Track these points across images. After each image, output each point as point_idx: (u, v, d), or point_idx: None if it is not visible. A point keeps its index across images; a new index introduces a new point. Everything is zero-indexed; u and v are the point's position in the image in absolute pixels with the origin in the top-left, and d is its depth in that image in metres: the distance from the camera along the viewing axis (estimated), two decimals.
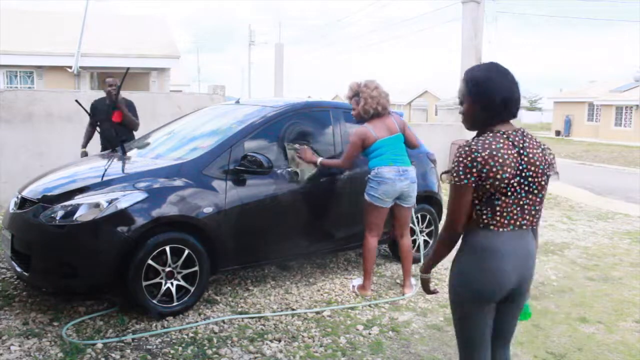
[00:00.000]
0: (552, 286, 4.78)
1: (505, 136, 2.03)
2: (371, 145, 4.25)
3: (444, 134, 10.64)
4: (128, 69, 5.34)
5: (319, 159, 4.36)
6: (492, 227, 2.04)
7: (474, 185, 2.00)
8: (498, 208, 2.02)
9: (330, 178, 4.54)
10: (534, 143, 2.08)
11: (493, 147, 1.99)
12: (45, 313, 3.73)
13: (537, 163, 2.05)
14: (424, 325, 3.84)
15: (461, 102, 2.18)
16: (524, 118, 48.08)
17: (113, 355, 3.20)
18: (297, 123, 4.57)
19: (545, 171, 2.08)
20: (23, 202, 3.87)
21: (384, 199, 4.23)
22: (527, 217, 2.08)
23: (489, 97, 2.05)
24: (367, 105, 4.27)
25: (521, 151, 2.02)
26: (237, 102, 5.24)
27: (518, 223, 2.06)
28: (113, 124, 5.52)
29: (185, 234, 3.76)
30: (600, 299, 4.50)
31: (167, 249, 3.67)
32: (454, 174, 2.02)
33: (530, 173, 2.03)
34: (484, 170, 1.97)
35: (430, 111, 36.88)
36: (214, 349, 3.33)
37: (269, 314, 3.89)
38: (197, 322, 3.71)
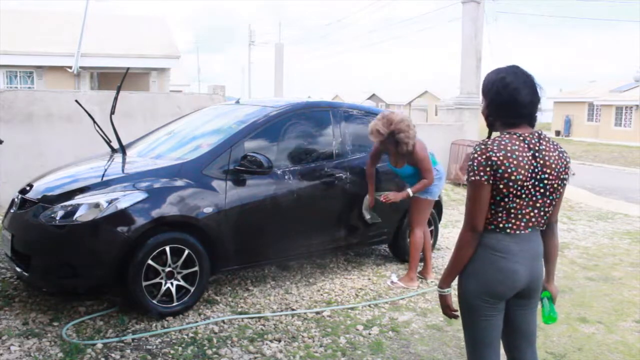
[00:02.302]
0: None
1: (521, 138, 2.03)
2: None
3: (444, 134, 10.65)
4: (128, 69, 5.33)
5: (409, 191, 4.53)
6: (508, 230, 2.05)
7: (490, 182, 1.99)
8: (513, 210, 2.03)
9: (330, 178, 4.54)
10: (551, 146, 2.08)
11: (508, 148, 1.99)
12: (45, 313, 3.73)
13: (553, 166, 2.05)
14: (424, 325, 3.84)
15: (480, 102, 2.25)
16: None
17: (113, 355, 3.20)
18: (297, 123, 4.57)
19: (561, 174, 2.08)
20: (23, 202, 3.87)
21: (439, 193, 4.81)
22: (541, 219, 2.10)
23: (496, 99, 2.07)
24: (410, 141, 4.31)
25: (536, 154, 2.03)
26: (237, 102, 5.25)
27: (531, 224, 2.08)
28: None
29: (185, 234, 3.76)
30: (600, 299, 4.50)
31: (167, 249, 3.67)
32: (470, 171, 2.03)
33: (546, 176, 2.04)
34: (500, 171, 1.98)
35: (430, 111, 36.90)
36: (214, 349, 3.33)
37: (269, 314, 3.89)
38: (197, 322, 3.71)
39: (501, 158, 1.97)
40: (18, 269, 3.72)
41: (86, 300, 3.92)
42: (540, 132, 2.10)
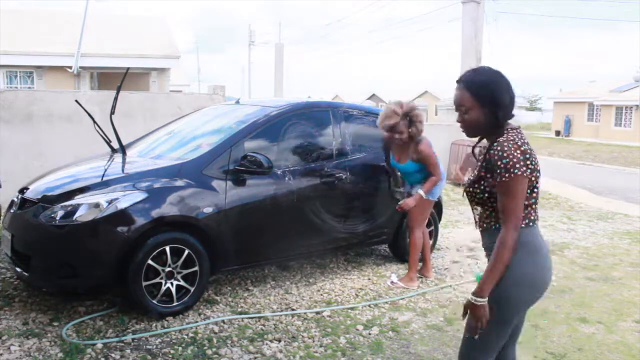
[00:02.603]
0: (552, 286, 4.75)
1: (520, 131, 2.07)
2: None
3: (444, 134, 10.65)
4: (128, 69, 5.33)
5: (421, 193, 4.56)
6: (533, 223, 2.06)
7: (529, 175, 1.97)
8: (533, 201, 2.05)
9: (330, 178, 4.54)
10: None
11: (526, 141, 2.02)
12: (45, 313, 3.73)
13: (535, 155, 2.08)
14: (424, 325, 3.84)
15: (463, 109, 2.08)
16: (524, 118, 48.06)
17: (113, 355, 3.20)
18: (297, 123, 4.57)
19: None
20: (23, 202, 3.87)
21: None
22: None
23: (499, 98, 2.04)
24: (422, 126, 4.49)
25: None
26: (237, 102, 5.25)
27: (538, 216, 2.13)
28: None
29: (185, 234, 3.76)
30: (600, 299, 4.50)
31: (167, 249, 3.67)
32: (511, 167, 1.94)
33: (538, 167, 2.07)
34: (533, 163, 1.99)
35: (430, 111, 36.88)
36: (214, 349, 3.33)
37: (269, 314, 3.89)
38: (197, 322, 3.71)
39: (530, 149, 2.00)
40: (18, 269, 3.72)
41: (86, 300, 3.92)
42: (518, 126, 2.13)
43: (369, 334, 3.65)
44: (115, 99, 4.52)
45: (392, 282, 4.62)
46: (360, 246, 5.20)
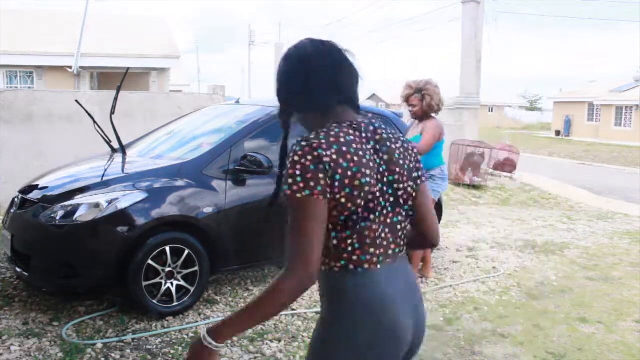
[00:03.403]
0: (552, 286, 4.78)
1: (354, 126, 1.40)
2: (439, 142, 4.54)
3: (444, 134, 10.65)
4: (128, 69, 5.34)
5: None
6: (364, 264, 1.36)
7: (326, 197, 1.30)
8: (367, 233, 1.36)
9: None
10: (392, 136, 1.46)
11: (341, 141, 1.34)
12: (45, 313, 3.73)
13: (401, 162, 1.43)
14: None
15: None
16: (524, 118, 48.09)
17: (113, 355, 3.20)
18: (297, 123, 4.57)
19: (412, 173, 1.46)
20: (23, 202, 3.87)
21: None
22: (400, 239, 1.45)
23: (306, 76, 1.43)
24: (433, 102, 4.47)
25: (377, 146, 1.41)
26: (237, 102, 5.25)
27: (392, 251, 1.41)
28: None
29: (185, 234, 3.76)
30: (600, 299, 4.50)
31: (167, 249, 3.67)
32: (292, 184, 1.30)
33: (394, 177, 1.41)
34: (337, 177, 1.31)
35: None
36: None
37: None
38: (197, 322, 3.70)
39: (334, 157, 1.31)
40: (18, 269, 3.72)
41: (86, 300, 3.92)
42: (374, 119, 1.48)
43: None
44: (115, 99, 4.52)
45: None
46: None
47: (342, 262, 1.37)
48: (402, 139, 1.49)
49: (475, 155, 10.84)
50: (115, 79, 12.11)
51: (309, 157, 1.31)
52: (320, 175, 1.30)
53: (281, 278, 1.28)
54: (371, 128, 1.43)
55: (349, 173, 1.32)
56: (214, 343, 1.31)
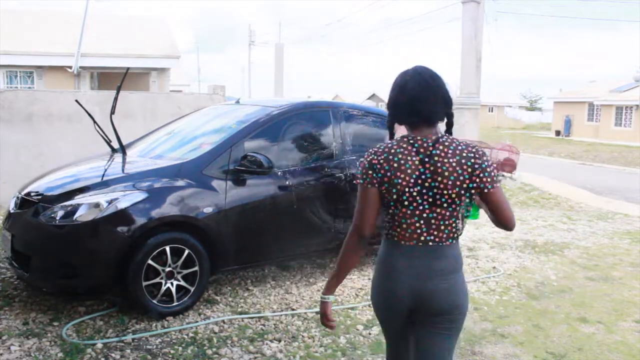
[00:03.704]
0: (552, 286, 4.78)
1: (411, 142, 1.91)
2: None
3: None
4: (128, 69, 5.33)
5: None
6: (394, 237, 1.95)
7: (374, 187, 1.91)
8: (397, 218, 1.92)
9: (330, 178, 4.54)
10: (450, 152, 1.88)
11: (392, 151, 1.90)
12: (45, 313, 3.73)
13: (446, 174, 1.85)
14: None
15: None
16: (524, 118, 48.11)
17: (113, 355, 3.20)
18: (298, 123, 4.58)
19: (459, 184, 1.86)
20: (23, 202, 3.87)
21: None
22: (437, 232, 1.90)
23: (393, 98, 1.99)
24: None
25: (426, 159, 1.88)
26: (237, 102, 5.25)
27: (423, 238, 1.91)
28: None
29: (185, 234, 3.76)
30: (600, 299, 4.50)
31: (167, 249, 3.67)
32: (359, 175, 1.97)
33: (436, 184, 1.86)
34: (380, 175, 1.89)
35: None
36: (214, 349, 3.33)
37: (269, 314, 3.89)
38: (197, 322, 3.71)
39: (382, 162, 1.89)
40: (18, 269, 3.72)
41: (86, 300, 3.92)
42: (442, 136, 1.93)
43: (369, 334, 3.65)
44: (115, 99, 4.52)
45: None
46: None
47: (384, 233, 2.01)
48: (465, 156, 1.88)
49: None
50: (115, 79, 12.11)
51: (368, 160, 1.94)
52: (370, 172, 1.92)
53: (347, 236, 2.01)
54: (426, 145, 1.90)
55: (388, 174, 1.89)
56: (323, 296, 2.03)
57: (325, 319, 2.02)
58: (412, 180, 1.87)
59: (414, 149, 1.89)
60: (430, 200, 1.87)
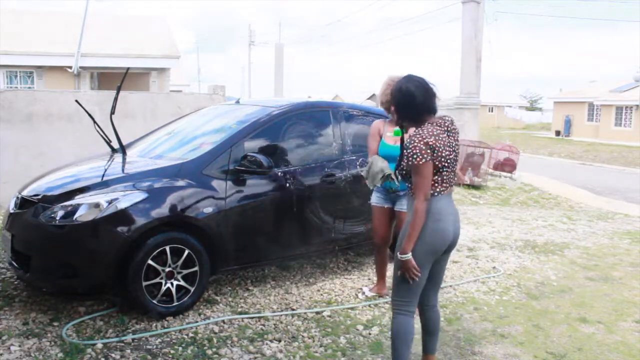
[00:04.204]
0: (552, 286, 4.78)
1: (438, 124, 2.69)
2: None
3: None
4: (128, 69, 5.33)
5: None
6: (442, 192, 2.70)
7: (430, 161, 2.60)
8: (444, 178, 2.69)
9: (330, 178, 4.54)
10: (454, 127, 2.76)
11: (435, 133, 2.63)
12: (45, 313, 3.73)
13: (454, 143, 2.73)
14: None
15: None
16: (524, 118, 48.10)
17: (113, 355, 3.20)
18: (298, 123, 4.57)
19: (455, 147, 2.74)
20: (23, 202, 3.87)
21: None
22: (451, 183, 2.75)
23: (404, 100, 2.71)
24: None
25: (449, 134, 2.71)
26: (237, 102, 5.24)
27: (449, 188, 2.73)
28: None
29: (185, 234, 3.76)
30: (600, 299, 4.50)
31: (167, 249, 3.67)
32: (417, 157, 2.58)
33: (456, 150, 2.75)
34: (435, 151, 2.60)
35: None
36: (214, 349, 3.33)
37: (269, 314, 3.89)
38: (197, 322, 3.71)
39: (433, 140, 2.60)
40: (18, 269, 3.72)
41: (86, 300, 3.92)
42: (448, 117, 2.77)
43: (369, 334, 3.65)
44: (115, 99, 4.52)
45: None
46: (361, 246, 5.20)
47: (434, 192, 2.68)
48: (456, 130, 2.80)
49: (475, 155, 10.85)
50: (115, 79, 12.12)
51: (423, 142, 2.59)
52: (428, 151, 2.59)
53: (418, 203, 2.60)
54: (446, 124, 2.73)
55: (439, 149, 2.62)
56: (404, 255, 2.65)
57: (412, 270, 2.65)
58: (448, 150, 2.67)
59: (442, 129, 2.69)
60: (454, 162, 2.73)
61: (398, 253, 2.67)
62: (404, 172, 2.75)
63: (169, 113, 7.31)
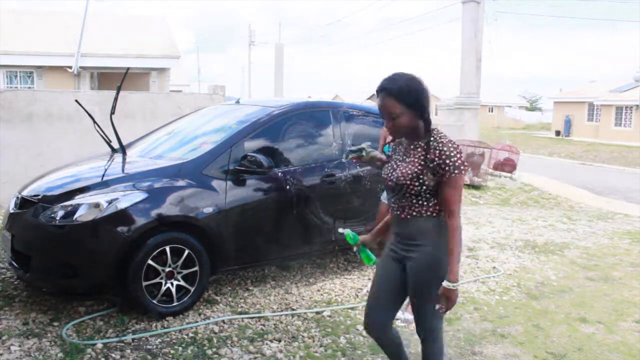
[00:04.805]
0: (552, 286, 4.78)
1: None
2: None
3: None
4: (128, 69, 5.33)
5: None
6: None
7: None
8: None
9: (330, 178, 4.54)
10: None
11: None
12: (45, 313, 3.73)
13: None
14: None
15: (393, 115, 2.30)
16: (524, 118, 48.08)
17: (113, 355, 3.20)
18: (298, 123, 4.57)
19: None
20: (23, 202, 3.87)
21: None
22: None
23: (424, 101, 2.31)
24: None
25: None
26: (237, 102, 5.24)
27: None
28: None
29: (185, 234, 3.76)
30: (600, 299, 4.50)
31: (167, 249, 3.67)
32: (463, 168, 2.24)
33: None
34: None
35: (430, 111, 36.83)
36: (214, 349, 3.33)
37: (269, 314, 3.89)
38: (197, 322, 3.71)
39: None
40: (18, 269, 3.72)
41: (86, 300, 3.92)
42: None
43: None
44: (115, 99, 4.52)
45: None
46: None
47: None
48: None
49: (475, 155, 10.85)
50: (115, 79, 12.12)
51: (461, 154, 2.26)
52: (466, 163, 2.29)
53: (455, 223, 2.26)
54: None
55: None
56: (452, 284, 2.23)
57: (451, 302, 2.26)
58: None
59: None
60: None
61: (448, 282, 2.24)
62: (417, 187, 2.28)
63: (169, 113, 7.31)
